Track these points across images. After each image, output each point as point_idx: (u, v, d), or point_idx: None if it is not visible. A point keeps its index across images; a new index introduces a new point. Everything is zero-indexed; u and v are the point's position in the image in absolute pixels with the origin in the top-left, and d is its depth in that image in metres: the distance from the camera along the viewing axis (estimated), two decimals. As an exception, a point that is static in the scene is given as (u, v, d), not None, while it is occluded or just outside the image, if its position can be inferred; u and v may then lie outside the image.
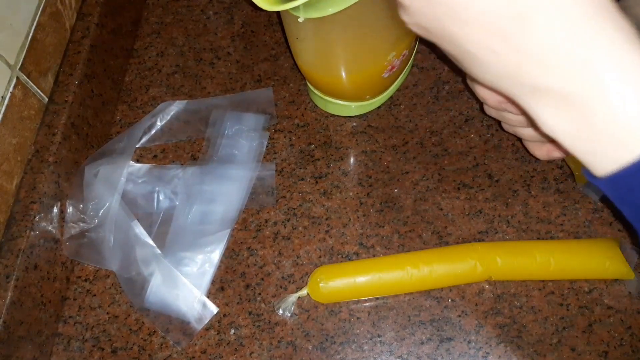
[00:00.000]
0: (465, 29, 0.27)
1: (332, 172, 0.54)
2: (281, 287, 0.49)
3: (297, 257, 0.50)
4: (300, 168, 0.55)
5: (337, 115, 0.57)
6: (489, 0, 0.25)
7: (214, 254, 0.50)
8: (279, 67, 0.61)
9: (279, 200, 0.53)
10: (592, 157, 0.26)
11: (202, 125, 0.58)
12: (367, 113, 0.57)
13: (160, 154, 0.57)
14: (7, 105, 0.47)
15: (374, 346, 0.46)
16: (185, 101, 0.59)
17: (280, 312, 0.48)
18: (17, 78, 0.48)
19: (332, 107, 0.56)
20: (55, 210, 0.50)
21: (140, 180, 0.54)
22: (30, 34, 0.51)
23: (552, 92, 0.26)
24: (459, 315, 0.47)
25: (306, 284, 0.48)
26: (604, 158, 0.26)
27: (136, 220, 0.51)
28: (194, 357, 0.47)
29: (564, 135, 0.27)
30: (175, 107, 0.59)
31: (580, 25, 0.24)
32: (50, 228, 0.49)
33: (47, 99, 0.53)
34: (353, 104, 0.55)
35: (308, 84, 0.56)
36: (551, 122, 0.27)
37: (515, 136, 0.45)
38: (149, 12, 0.66)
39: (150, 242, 0.50)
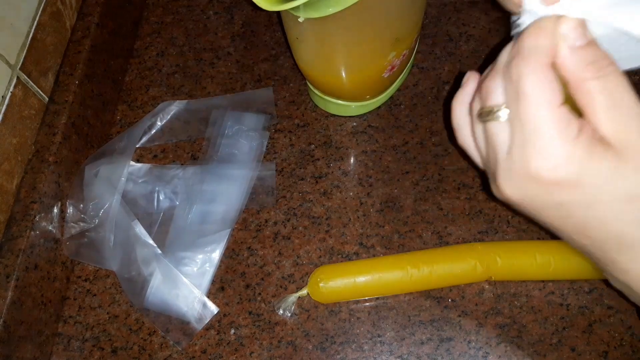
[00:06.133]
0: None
1: (332, 172, 0.54)
2: (281, 287, 0.49)
3: (297, 257, 0.50)
4: (301, 168, 0.55)
5: (337, 115, 0.57)
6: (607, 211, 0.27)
7: (214, 254, 0.50)
8: (279, 67, 0.61)
9: (279, 200, 0.53)
10: None
11: (202, 125, 0.58)
12: (367, 113, 0.57)
13: (161, 154, 0.57)
14: (8, 105, 0.47)
15: (374, 346, 0.46)
16: (186, 101, 0.59)
17: (280, 312, 0.48)
18: (18, 78, 0.48)
19: (332, 107, 0.56)
20: (55, 210, 0.50)
21: (140, 180, 0.54)
22: (31, 34, 0.51)
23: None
24: (459, 315, 0.47)
25: (306, 284, 0.48)
26: None
27: (136, 220, 0.51)
28: (194, 357, 0.47)
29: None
30: (175, 107, 0.59)
31: None
32: (50, 228, 0.49)
33: (47, 99, 0.53)
34: (353, 104, 0.55)
35: (308, 84, 0.56)
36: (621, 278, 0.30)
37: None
38: (149, 12, 0.66)
39: (151, 241, 0.50)
